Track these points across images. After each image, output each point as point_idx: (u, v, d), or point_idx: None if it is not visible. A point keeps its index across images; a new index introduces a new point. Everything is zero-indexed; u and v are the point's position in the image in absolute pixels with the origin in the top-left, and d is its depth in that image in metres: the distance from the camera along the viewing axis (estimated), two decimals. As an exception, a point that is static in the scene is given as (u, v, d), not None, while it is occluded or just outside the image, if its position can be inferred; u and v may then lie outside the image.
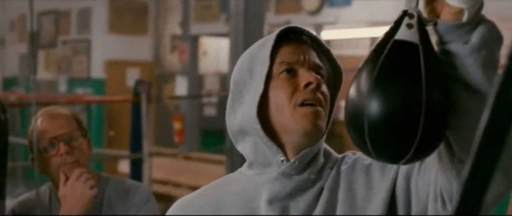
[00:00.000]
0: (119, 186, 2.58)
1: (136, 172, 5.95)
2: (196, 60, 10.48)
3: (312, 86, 1.50)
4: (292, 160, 1.52)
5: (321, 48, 1.59)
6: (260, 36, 6.68)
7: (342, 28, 9.45)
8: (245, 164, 1.61)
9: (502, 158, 1.27)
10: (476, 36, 1.26)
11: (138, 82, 6.29)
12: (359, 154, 1.56)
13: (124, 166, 8.39)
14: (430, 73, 1.28)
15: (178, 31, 10.92)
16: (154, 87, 10.86)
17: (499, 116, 0.72)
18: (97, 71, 11.49)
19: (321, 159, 1.56)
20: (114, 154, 9.94)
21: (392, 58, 1.32)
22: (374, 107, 1.28)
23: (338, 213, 1.49)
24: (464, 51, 1.26)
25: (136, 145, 6.08)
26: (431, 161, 1.42)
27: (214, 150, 8.26)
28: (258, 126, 1.50)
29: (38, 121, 2.51)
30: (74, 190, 2.41)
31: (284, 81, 1.51)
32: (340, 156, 1.60)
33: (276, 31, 1.54)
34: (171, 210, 1.63)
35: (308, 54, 1.54)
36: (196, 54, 10.50)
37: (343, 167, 1.54)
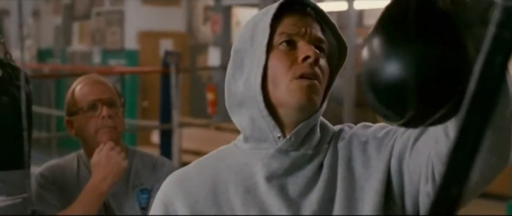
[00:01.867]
0: (145, 159, 2.63)
1: (166, 142, 5.98)
2: (228, 30, 10.46)
3: (310, 60, 1.47)
4: (288, 136, 1.50)
5: (326, 22, 1.56)
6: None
7: (375, -3, 9.36)
8: (240, 137, 1.58)
9: (492, 137, 1.26)
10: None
11: (167, 53, 6.31)
12: (355, 128, 1.55)
13: (157, 137, 8.45)
14: (449, 29, 1.21)
15: (210, 1, 10.91)
16: (186, 58, 10.89)
17: (486, 84, 0.71)
18: (131, 43, 11.55)
19: (318, 134, 1.54)
20: (146, 125, 10.00)
21: (400, 13, 1.25)
22: (389, 68, 1.22)
23: (338, 190, 1.48)
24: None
25: (166, 116, 6.11)
26: (423, 143, 1.40)
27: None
28: (260, 98, 1.48)
29: (79, 86, 2.57)
30: (109, 159, 2.45)
31: (283, 53, 1.49)
32: (336, 128, 1.58)
33: (279, 2, 1.51)
34: (169, 183, 1.59)
35: (310, 27, 1.51)
36: (228, 24, 10.48)
37: (340, 143, 1.53)
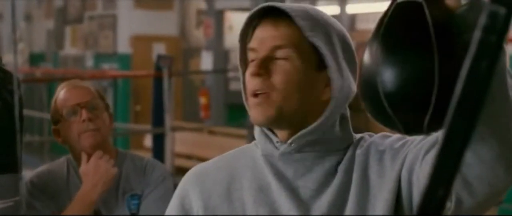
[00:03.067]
0: (136, 163, 2.61)
1: (158, 146, 5.98)
2: (221, 34, 10.48)
3: (252, 76, 1.48)
4: (289, 141, 1.51)
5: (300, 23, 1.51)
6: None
7: (367, 1, 9.38)
8: None
9: (498, 148, 1.27)
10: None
11: (160, 57, 6.31)
12: (375, 137, 1.54)
13: (150, 141, 8.45)
14: (441, 37, 1.23)
15: (203, 6, 10.91)
16: (179, 62, 10.89)
17: (472, 88, 0.72)
18: (123, 46, 11.54)
19: (329, 137, 1.53)
20: (139, 129, 10.00)
21: (395, 22, 1.28)
22: (386, 76, 1.25)
23: (350, 196, 1.48)
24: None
25: (158, 119, 6.11)
26: (433, 154, 1.41)
27: (239, 124, 8.28)
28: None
29: (61, 92, 2.55)
30: (98, 168, 2.44)
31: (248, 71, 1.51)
32: (357, 136, 1.56)
33: (251, 12, 1.49)
34: (189, 175, 1.63)
35: (268, 36, 1.49)
36: (221, 28, 10.49)
37: (358, 151, 1.52)
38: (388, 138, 1.53)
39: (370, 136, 1.56)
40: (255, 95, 1.47)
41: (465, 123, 0.72)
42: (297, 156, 1.51)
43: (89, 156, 2.48)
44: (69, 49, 12.80)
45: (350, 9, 8.90)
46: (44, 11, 13.33)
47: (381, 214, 1.46)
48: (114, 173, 2.46)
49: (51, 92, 10.76)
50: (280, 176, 1.52)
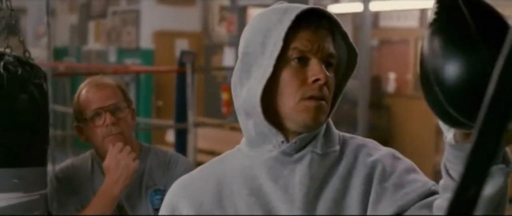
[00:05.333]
0: (160, 157, 2.61)
1: (181, 142, 5.99)
2: (244, 31, 10.46)
3: (320, 82, 1.47)
4: (293, 141, 1.51)
5: (339, 30, 1.54)
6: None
7: (391, -1, 9.35)
8: (244, 141, 1.59)
9: None
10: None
11: (183, 53, 6.32)
12: (383, 155, 1.55)
13: (171, 136, 8.47)
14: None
15: (226, 2, 10.92)
16: (201, 58, 10.91)
17: (505, 86, 0.71)
18: (146, 42, 11.58)
19: (322, 137, 1.54)
20: (161, 124, 10.03)
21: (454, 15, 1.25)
22: (446, 69, 1.22)
23: (350, 197, 1.50)
24: None
25: (181, 115, 6.12)
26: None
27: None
28: (259, 110, 1.49)
29: (84, 91, 2.55)
30: (118, 162, 2.45)
31: (294, 70, 1.48)
32: (340, 134, 1.59)
33: (296, 10, 1.48)
34: (174, 188, 1.61)
35: (324, 42, 1.50)
36: (244, 25, 10.43)
37: (361, 159, 1.54)
38: (398, 162, 1.55)
39: (374, 145, 1.58)
40: (317, 98, 1.48)
41: (498, 121, 0.72)
42: (296, 156, 1.51)
43: None
44: (92, 44, 12.86)
45: (374, 6, 8.87)
46: (68, 6, 13.40)
47: None
48: (134, 167, 2.46)
49: (74, 87, 10.83)
50: (274, 177, 1.50)
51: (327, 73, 1.48)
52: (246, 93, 1.51)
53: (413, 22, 9.65)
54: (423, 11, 9.36)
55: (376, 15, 9.82)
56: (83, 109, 2.52)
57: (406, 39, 9.73)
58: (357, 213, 1.49)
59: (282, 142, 1.51)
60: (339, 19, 1.53)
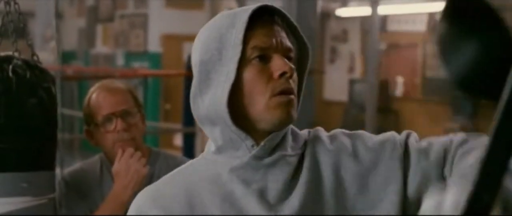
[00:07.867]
0: (169, 162, 2.59)
1: (189, 145, 6.00)
2: (251, 35, 10.46)
3: (287, 75, 1.46)
4: (262, 143, 1.48)
5: (289, 24, 1.52)
6: (313, 10, 6.65)
7: (399, 3, 9.34)
8: (209, 149, 1.56)
9: None
10: None
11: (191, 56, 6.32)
12: (336, 134, 1.56)
13: (179, 140, 8.47)
14: None
15: (234, 5, 10.92)
16: (209, 62, 10.89)
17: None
18: (154, 45, 11.59)
19: (290, 138, 1.53)
20: (169, 128, 10.03)
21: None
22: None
23: (326, 192, 1.49)
24: None
25: (189, 119, 6.12)
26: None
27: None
28: (227, 116, 1.45)
29: (94, 95, 2.54)
30: (129, 168, 2.44)
31: (257, 69, 1.46)
32: (305, 132, 1.58)
33: (247, 11, 1.46)
34: (141, 200, 1.54)
35: (280, 37, 1.48)
36: (252, 28, 10.47)
37: (319, 147, 1.53)
38: (357, 136, 1.56)
39: (321, 132, 1.57)
40: (287, 93, 1.46)
41: (511, 130, 0.71)
42: (267, 160, 1.49)
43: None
44: (100, 48, 12.88)
45: (382, 10, 8.86)
46: (76, 10, 13.42)
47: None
48: (145, 172, 2.45)
49: (82, 90, 10.85)
50: (246, 182, 1.48)
51: (291, 65, 1.47)
52: (208, 101, 1.47)
53: (421, 26, 9.63)
54: (431, 15, 9.35)
55: (384, 19, 9.81)
56: (94, 114, 2.51)
57: (414, 43, 9.71)
58: (332, 199, 1.47)
59: (252, 146, 1.48)
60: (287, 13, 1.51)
